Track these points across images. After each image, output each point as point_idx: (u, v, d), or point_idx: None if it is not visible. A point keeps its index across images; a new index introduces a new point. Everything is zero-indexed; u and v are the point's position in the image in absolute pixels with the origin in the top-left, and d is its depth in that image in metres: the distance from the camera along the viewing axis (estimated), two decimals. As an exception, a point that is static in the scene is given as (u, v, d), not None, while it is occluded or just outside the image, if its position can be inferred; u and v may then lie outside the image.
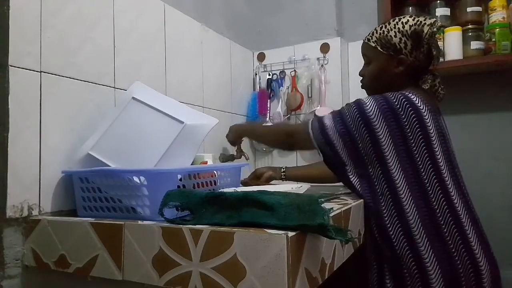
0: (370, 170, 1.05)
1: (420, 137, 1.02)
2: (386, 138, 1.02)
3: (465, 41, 1.59)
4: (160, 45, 1.34)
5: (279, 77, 1.93)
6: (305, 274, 0.67)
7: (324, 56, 1.84)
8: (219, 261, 0.65)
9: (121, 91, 1.15)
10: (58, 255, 0.84)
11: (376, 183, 1.05)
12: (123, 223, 0.77)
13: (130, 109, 0.99)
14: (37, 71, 0.92)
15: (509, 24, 1.54)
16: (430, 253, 0.98)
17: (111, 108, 1.09)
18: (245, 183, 1.30)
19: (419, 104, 1.04)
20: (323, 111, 1.76)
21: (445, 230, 0.99)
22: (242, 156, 1.61)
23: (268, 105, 1.89)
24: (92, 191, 0.90)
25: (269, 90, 1.91)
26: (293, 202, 0.68)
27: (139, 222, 0.77)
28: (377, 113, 1.03)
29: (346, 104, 1.10)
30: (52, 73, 0.96)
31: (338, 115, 1.08)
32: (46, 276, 0.87)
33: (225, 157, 1.61)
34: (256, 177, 1.44)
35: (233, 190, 0.84)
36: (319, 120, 1.11)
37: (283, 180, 1.47)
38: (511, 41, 1.52)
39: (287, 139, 1.18)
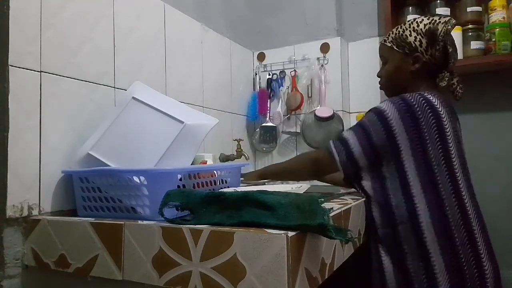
0: (387, 176, 1.05)
1: (438, 141, 1.03)
2: (405, 143, 1.02)
3: (465, 41, 1.59)
4: (160, 45, 1.34)
5: (279, 77, 1.93)
6: (305, 274, 0.67)
7: (324, 56, 1.84)
8: (219, 261, 0.65)
9: (121, 91, 1.15)
10: (58, 255, 0.84)
11: (391, 188, 1.05)
12: (123, 223, 0.77)
13: (130, 109, 0.99)
14: (37, 71, 0.92)
15: (509, 24, 1.54)
16: (441, 263, 0.97)
17: (111, 108, 1.09)
18: None
19: (437, 106, 1.04)
20: (323, 111, 1.77)
21: (458, 240, 0.99)
22: (242, 156, 1.61)
23: (268, 105, 1.89)
24: (92, 191, 0.90)
25: (269, 90, 1.91)
26: (293, 202, 0.68)
27: (139, 222, 0.77)
28: (396, 116, 1.03)
29: (366, 114, 1.10)
30: (52, 73, 0.96)
31: (360, 129, 1.08)
32: (46, 276, 0.87)
33: (225, 157, 1.62)
34: None
35: (233, 190, 0.84)
36: (342, 139, 1.09)
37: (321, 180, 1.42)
38: (511, 41, 1.52)
39: (313, 167, 1.14)
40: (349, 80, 1.91)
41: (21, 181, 0.88)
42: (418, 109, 1.03)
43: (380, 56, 1.23)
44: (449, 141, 1.04)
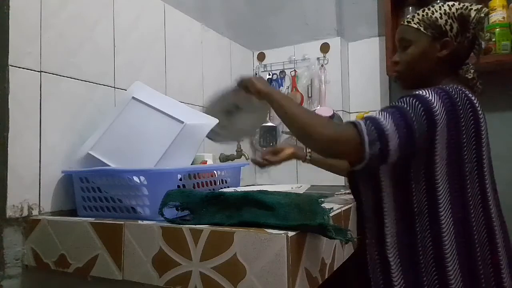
0: (413, 177, 0.90)
1: (474, 147, 0.92)
2: (442, 144, 0.88)
3: (465, 41, 1.58)
4: (160, 45, 1.34)
5: (279, 77, 1.93)
6: (305, 274, 0.67)
7: (324, 56, 1.84)
8: (219, 261, 0.65)
9: (121, 91, 1.15)
10: (58, 255, 0.84)
11: (414, 197, 0.90)
12: (123, 223, 0.77)
13: (130, 109, 0.99)
14: (37, 71, 0.92)
15: (509, 24, 1.54)
16: (459, 278, 0.87)
17: (111, 108, 1.09)
18: (257, 162, 1.26)
19: (478, 106, 0.93)
20: (323, 111, 1.76)
21: (479, 255, 0.89)
22: (242, 156, 1.61)
23: (268, 105, 1.89)
24: (92, 191, 0.90)
25: (269, 90, 1.91)
26: (293, 202, 0.68)
27: (139, 222, 0.77)
28: (441, 110, 0.87)
29: (403, 99, 0.90)
30: (52, 73, 0.96)
31: (398, 113, 0.86)
32: (46, 276, 0.87)
33: (225, 157, 1.62)
34: (273, 153, 1.29)
35: (233, 190, 0.84)
36: (378, 126, 0.83)
37: (307, 162, 1.30)
38: (511, 41, 1.52)
39: (330, 145, 0.85)
40: (349, 80, 1.91)
41: (21, 181, 0.88)
42: (460, 108, 0.90)
43: (400, 39, 1.07)
44: (483, 147, 0.94)
